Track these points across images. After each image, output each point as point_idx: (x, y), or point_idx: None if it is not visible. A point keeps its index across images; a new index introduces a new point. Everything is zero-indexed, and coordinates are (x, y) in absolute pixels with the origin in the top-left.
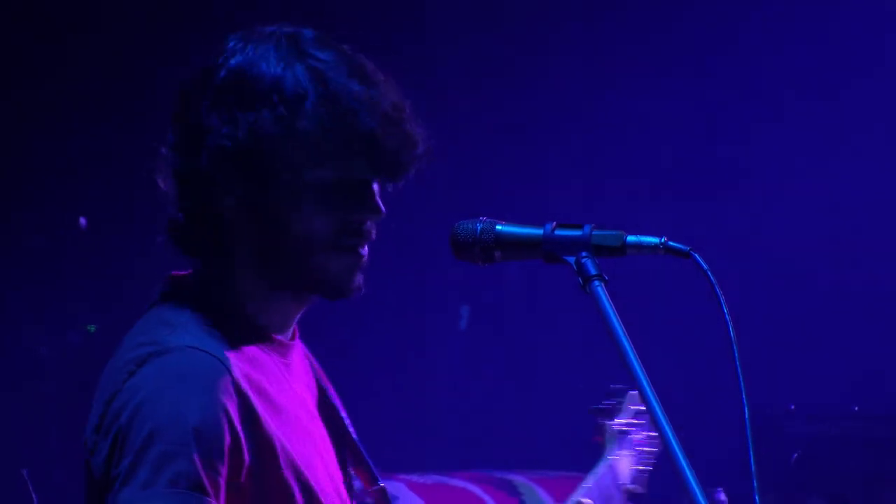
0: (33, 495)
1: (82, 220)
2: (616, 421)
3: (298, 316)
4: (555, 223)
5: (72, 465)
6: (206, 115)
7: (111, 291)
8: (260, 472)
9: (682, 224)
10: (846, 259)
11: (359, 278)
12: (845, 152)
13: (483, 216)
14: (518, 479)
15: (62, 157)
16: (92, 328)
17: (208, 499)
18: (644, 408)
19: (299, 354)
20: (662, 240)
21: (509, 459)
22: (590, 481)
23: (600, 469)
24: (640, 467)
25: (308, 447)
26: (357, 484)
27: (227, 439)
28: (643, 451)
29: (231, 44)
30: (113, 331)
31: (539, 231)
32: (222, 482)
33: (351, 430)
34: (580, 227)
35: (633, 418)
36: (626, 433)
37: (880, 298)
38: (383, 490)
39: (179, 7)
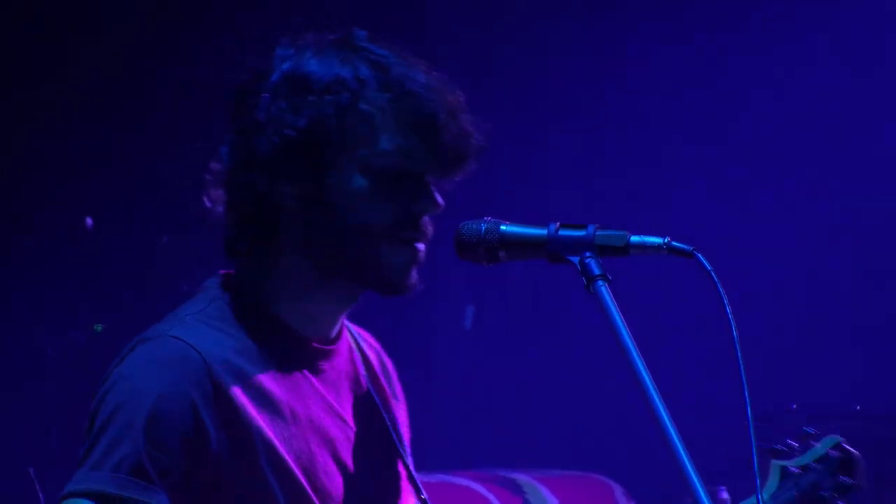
0: (40, 494)
1: (88, 220)
2: (787, 461)
3: (342, 317)
4: (559, 223)
5: (77, 464)
6: (266, 108)
7: (116, 291)
8: (233, 462)
9: (685, 224)
10: (848, 260)
11: (415, 275)
12: (849, 152)
13: (487, 216)
14: (522, 478)
15: (67, 157)
16: (98, 328)
17: (150, 485)
18: (842, 456)
19: (345, 357)
20: (666, 240)
21: (513, 458)
22: None
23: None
24: None
25: (321, 452)
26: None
27: (188, 427)
28: (813, 496)
29: (281, 50)
30: (117, 330)
31: (543, 231)
32: (175, 468)
33: (404, 442)
34: (584, 227)
35: (816, 463)
36: (793, 476)
37: (881, 299)
38: (425, 503)
39: (180, 7)
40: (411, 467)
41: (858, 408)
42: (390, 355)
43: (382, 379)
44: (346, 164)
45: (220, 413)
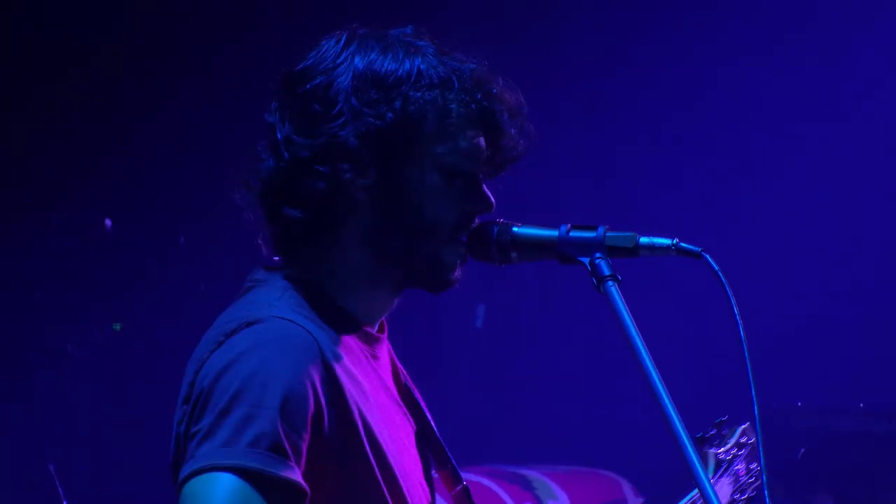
0: (59, 489)
1: (107, 222)
2: (717, 450)
3: (388, 310)
4: (569, 225)
5: (97, 460)
6: (346, 100)
7: (134, 291)
8: (341, 444)
9: (693, 225)
10: (853, 260)
11: (459, 271)
12: (855, 152)
13: (499, 218)
14: (531, 473)
15: (89, 160)
16: (117, 326)
17: (288, 461)
18: (752, 441)
19: (386, 349)
20: (674, 241)
21: (523, 455)
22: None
23: (694, 494)
24: (738, 496)
25: (396, 434)
26: (438, 483)
27: (311, 407)
28: (742, 482)
29: (334, 43)
30: (135, 329)
31: (554, 233)
32: (304, 447)
33: (436, 430)
34: (594, 228)
35: (736, 449)
36: (725, 462)
37: (885, 298)
38: (466, 489)
39: (211, 8)
40: (451, 456)
41: (862, 405)
42: (403, 353)
43: (405, 373)
44: (423, 160)
45: (330, 392)
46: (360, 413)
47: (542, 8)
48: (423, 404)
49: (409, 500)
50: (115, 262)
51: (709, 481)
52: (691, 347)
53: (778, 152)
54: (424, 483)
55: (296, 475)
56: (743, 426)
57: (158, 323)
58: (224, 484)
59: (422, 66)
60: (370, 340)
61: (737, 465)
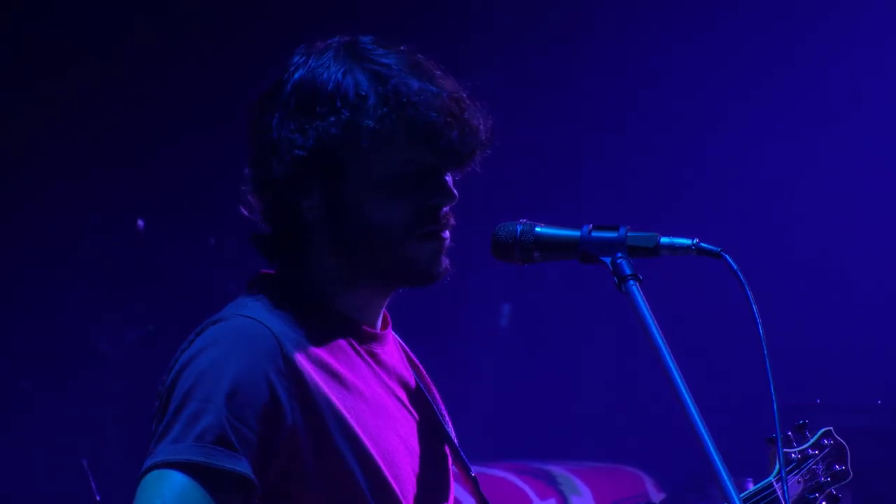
0: (92, 484)
1: (140, 223)
2: (787, 449)
3: (384, 306)
4: (591, 225)
5: (129, 455)
6: (277, 129)
7: (165, 290)
8: (310, 434)
9: (713, 225)
10: (873, 259)
11: (444, 262)
12: (872, 152)
13: (522, 218)
14: (555, 469)
15: (123, 164)
16: (150, 328)
17: (233, 453)
18: (832, 443)
19: (392, 346)
20: (695, 241)
21: (547, 450)
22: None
23: (755, 486)
24: (814, 496)
25: (384, 425)
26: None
27: (265, 399)
28: (821, 481)
29: (295, 58)
30: (168, 327)
31: (577, 233)
32: (255, 438)
33: (448, 425)
34: (616, 228)
35: (812, 450)
36: (795, 461)
37: None
38: (475, 481)
39: (238, 8)
40: (459, 449)
41: (880, 402)
42: (427, 351)
43: (423, 371)
44: (357, 174)
45: (293, 386)
46: (331, 406)
47: (563, 9)
48: (436, 398)
49: (396, 490)
50: (146, 263)
51: (728, 475)
52: (711, 345)
53: (797, 151)
54: (426, 473)
55: (242, 467)
56: (823, 430)
57: (189, 322)
58: (171, 480)
59: (343, 86)
60: (366, 338)
61: (811, 464)
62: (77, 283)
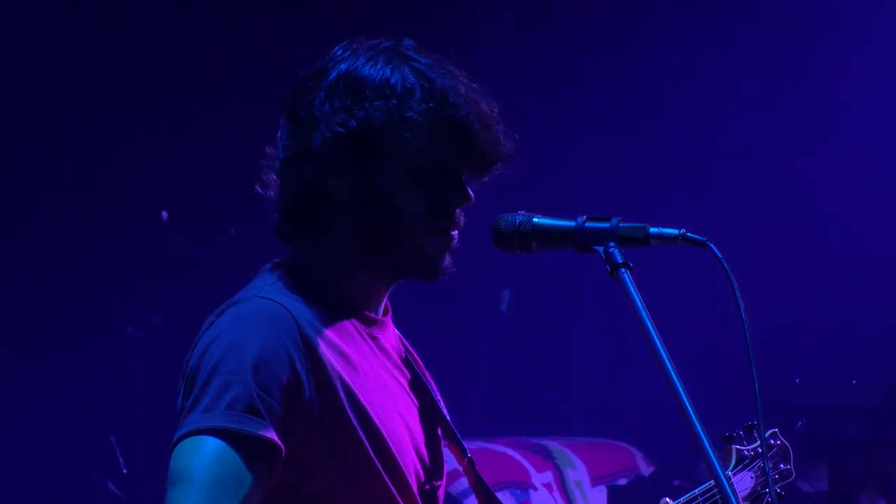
0: (120, 458)
1: (164, 214)
2: (740, 446)
3: (387, 294)
4: (585, 216)
5: (154, 432)
6: (320, 106)
7: (188, 279)
8: (323, 409)
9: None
10: (850, 246)
11: (448, 260)
12: (853, 141)
13: (521, 210)
14: (552, 444)
15: (148, 157)
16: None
17: (262, 421)
18: (779, 443)
19: (391, 332)
20: (682, 231)
21: (544, 428)
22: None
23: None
24: (763, 490)
25: (387, 403)
26: (448, 457)
27: (287, 373)
28: (762, 479)
29: (338, 51)
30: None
31: (571, 223)
32: (279, 409)
33: (443, 409)
34: (608, 219)
35: (759, 448)
36: (748, 458)
37: (877, 283)
38: (471, 461)
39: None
40: (456, 432)
41: (855, 381)
42: (435, 335)
43: (420, 361)
44: (389, 161)
45: (309, 362)
46: (343, 382)
47: (563, 7)
48: (431, 384)
49: (400, 464)
50: (170, 252)
51: (713, 450)
52: (697, 328)
53: (777, 139)
54: (423, 451)
55: (270, 433)
56: (771, 431)
57: (210, 307)
58: (206, 444)
59: (393, 78)
60: (369, 322)
61: (762, 462)
62: (105, 271)
